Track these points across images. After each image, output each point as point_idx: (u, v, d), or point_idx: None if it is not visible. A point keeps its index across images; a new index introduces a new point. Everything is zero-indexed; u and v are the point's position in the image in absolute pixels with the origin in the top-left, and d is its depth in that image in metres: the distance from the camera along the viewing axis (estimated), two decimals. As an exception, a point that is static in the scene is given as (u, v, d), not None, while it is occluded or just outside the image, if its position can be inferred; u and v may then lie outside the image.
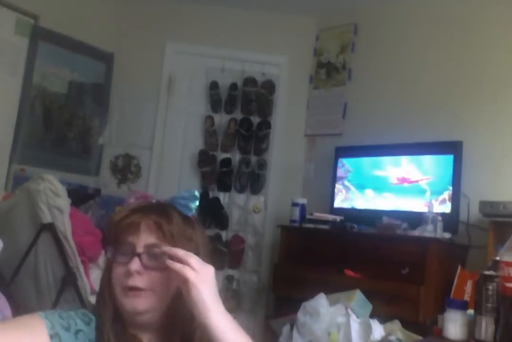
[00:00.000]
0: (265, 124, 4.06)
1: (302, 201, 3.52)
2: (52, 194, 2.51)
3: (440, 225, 2.91)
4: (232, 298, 3.85)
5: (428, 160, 3.22)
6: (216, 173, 4.04)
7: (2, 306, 2.08)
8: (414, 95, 3.54)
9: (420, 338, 2.41)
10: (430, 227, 2.89)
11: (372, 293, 2.70)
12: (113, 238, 1.23)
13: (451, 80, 3.38)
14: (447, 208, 3.07)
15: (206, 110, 4.15)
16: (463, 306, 2.09)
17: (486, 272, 1.88)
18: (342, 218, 3.31)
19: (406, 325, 2.58)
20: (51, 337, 1.10)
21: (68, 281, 2.45)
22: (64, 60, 3.87)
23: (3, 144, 3.51)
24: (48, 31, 3.72)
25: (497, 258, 1.83)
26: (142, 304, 1.15)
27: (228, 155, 4.09)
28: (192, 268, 1.10)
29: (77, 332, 1.15)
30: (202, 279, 1.10)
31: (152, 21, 4.20)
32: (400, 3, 3.72)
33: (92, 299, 2.09)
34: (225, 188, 4.05)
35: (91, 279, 2.53)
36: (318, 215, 3.37)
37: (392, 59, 3.71)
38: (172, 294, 1.17)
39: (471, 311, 2.04)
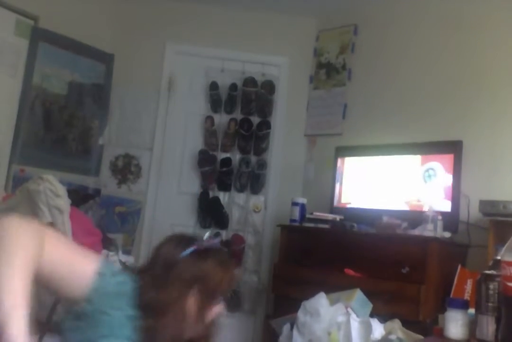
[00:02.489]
0: (265, 124, 4.06)
1: (302, 200, 3.52)
2: (52, 194, 2.51)
3: (440, 224, 2.91)
4: (232, 297, 3.86)
5: (428, 159, 3.22)
6: (216, 173, 4.04)
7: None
8: (414, 95, 3.54)
9: (420, 337, 2.41)
10: (430, 226, 2.89)
11: (372, 293, 2.71)
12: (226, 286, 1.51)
13: (451, 80, 3.38)
14: (447, 207, 3.07)
15: (206, 110, 4.15)
16: (464, 305, 2.09)
17: (487, 271, 1.88)
18: (342, 217, 3.31)
19: (407, 324, 2.58)
20: (99, 273, 1.30)
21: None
22: (64, 61, 3.88)
23: (3, 145, 3.51)
24: (48, 32, 3.72)
25: (499, 258, 1.83)
26: None
27: (228, 155, 4.09)
28: None
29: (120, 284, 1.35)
30: None
31: (152, 22, 4.20)
32: (400, 4, 3.73)
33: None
34: (225, 187, 4.06)
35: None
36: (318, 214, 3.37)
37: (392, 59, 3.71)
38: None
39: (471, 311, 2.04)
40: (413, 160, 3.28)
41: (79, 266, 1.30)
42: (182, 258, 1.43)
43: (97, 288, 1.29)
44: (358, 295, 2.65)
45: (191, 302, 1.41)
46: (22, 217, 1.25)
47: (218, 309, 1.48)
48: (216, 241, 1.60)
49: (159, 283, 1.39)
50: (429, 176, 3.17)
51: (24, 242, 1.17)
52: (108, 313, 1.31)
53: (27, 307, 1.09)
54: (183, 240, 1.51)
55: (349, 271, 3.01)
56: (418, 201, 3.19)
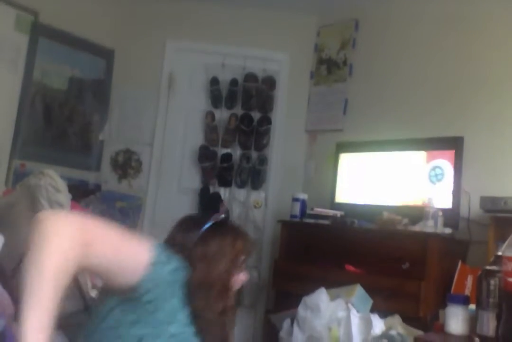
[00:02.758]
0: (266, 120, 4.06)
1: (302, 196, 3.51)
2: (52, 189, 2.50)
3: (440, 220, 2.90)
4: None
5: (433, 157, 3.21)
6: (216, 168, 4.04)
7: (5, 304, 2.08)
8: (415, 91, 3.54)
9: (421, 333, 2.41)
10: (430, 222, 2.88)
11: (372, 288, 2.71)
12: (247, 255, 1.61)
13: (452, 75, 3.38)
14: (447, 203, 3.06)
15: (207, 106, 4.15)
16: (465, 301, 2.10)
17: (488, 267, 1.88)
18: (342, 213, 3.31)
19: (407, 320, 2.59)
20: (152, 263, 1.30)
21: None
22: (64, 57, 3.87)
23: (3, 140, 3.51)
24: (48, 28, 3.72)
25: (500, 253, 1.83)
26: None
27: (228, 150, 4.09)
28: None
29: (174, 271, 1.37)
30: None
31: (153, 17, 4.19)
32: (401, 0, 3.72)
33: (93, 294, 2.10)
34: (226, 183, 4.05)
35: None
36: (318, 210, 3.37)
37: (393, 55, 3.71)
38: None
39: (472, 306, 2.04)
40: (413, 156, 3.27)
41: (131, 258, 1.30)
42: (201, 235, 1.51)
43: (151, 278, 1.30)
44: (358, 290, 2.65)
45: (220, 273, 1.49)
46: (60, 212, 1.21)
47: (243, 276, 1.59)
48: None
49: (190, 264, 1.44)
50: (436, 175, 3.14)
51: (62, 243, 1.13)
52: (163, 302, 1.34)
53: (51, 326, 1.09)
54: (195, 220, 1.59)
55: (350, 267, 3.01)
56: (419, 196, 3.18)
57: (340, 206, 3.47)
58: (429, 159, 3.20)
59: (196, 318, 1.41)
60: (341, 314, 2.52)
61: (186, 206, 4.04)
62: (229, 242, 1.54)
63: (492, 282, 1.85)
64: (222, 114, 4.13)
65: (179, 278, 1.38)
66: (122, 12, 4.21)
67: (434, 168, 3.16)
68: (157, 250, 1.34)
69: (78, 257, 1.15)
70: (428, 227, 2.88)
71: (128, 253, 1.30)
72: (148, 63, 4.17)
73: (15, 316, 2.05)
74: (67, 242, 1.14)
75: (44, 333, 1.07)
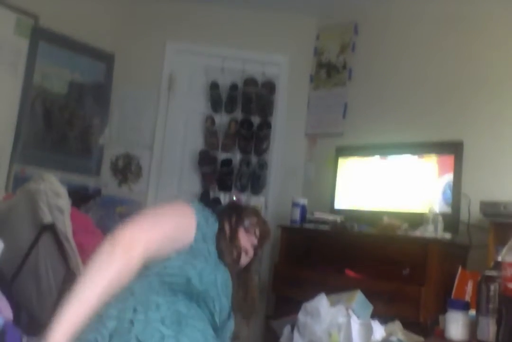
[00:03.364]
0: (266, 124, 4.06)
1: (302, 201, 3.51)
2: (52, 194, 2.50)
3: (440, 225, 2.90)
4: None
5: (429, 160, 3.21)
6: (216, 173, 4.04)
7: (2, 307, 2.08)
8: (415, 95, 3.54)
9: (421, 339, 2.41)
10: (430, 227, 2.88)
11: (372, 294, 2.69)
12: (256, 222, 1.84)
13: (452, 80, 3.38)
14: (447, 208, 3.06)
15: (207, 110, 4.15)
16: (465, 306, 2.09)
17: (488, 273, 1.88)
18: (342, 218, 3.30)
19: (407, 326, 2.57)
20: (197, 224, 1.57)
21: (69, 281, 2.44)
22: (64, 60, 3.88)
23: (3, 145, 3.51)
24: (48, 31, 3.72)
25: (499, 259, 1.83)
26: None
27: (228, 155, 4.09)
28: None
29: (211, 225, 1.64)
30: None
31: (152, 20, 4.19)
32: (401, 2, 3.72)
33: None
34: (226, 188, 4.05)
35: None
36: (318, 215, 3.36)
37: (392, 59, 3.71)
38: None
39: (472, 312, 2.04)
40: (413, 160, 3.27)
41: (185, 235, 1.54)
42: (218, 211, 1.77)
43: (199, 236, 1.56)
44: (358, 296, 2.64)
45: (227, 227, 1.73)
46: (127, 232, 1.44)
47: (250, 236, 1.79)
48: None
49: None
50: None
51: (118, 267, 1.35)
52: (203, 245, 1.59)
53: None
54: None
55: (350, 272, 3.00)
56: (419, 201, 3.18)
57: (340, 211, 3.47)
58: (441, 172, 3.14)
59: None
60: (342, 320, 2.51)
61: (186, 210, 4.03)
62: (237, 214, 1.80)
63: (492, 287, 1.85)
64: (222, 119, 4.13)
65: (213, 228, 1.63)
66: (121, 14, 4.21)
67: (449, 186, 3.12)
68: (198, 212, 1.60)
69: (138, 267, 1.39)
70: (428, 231, 2.88)
71: (181, 234, 1.53)
72: (148, 64, 4.17)
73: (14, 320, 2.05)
74: (123, 266, 1.36)
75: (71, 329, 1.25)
